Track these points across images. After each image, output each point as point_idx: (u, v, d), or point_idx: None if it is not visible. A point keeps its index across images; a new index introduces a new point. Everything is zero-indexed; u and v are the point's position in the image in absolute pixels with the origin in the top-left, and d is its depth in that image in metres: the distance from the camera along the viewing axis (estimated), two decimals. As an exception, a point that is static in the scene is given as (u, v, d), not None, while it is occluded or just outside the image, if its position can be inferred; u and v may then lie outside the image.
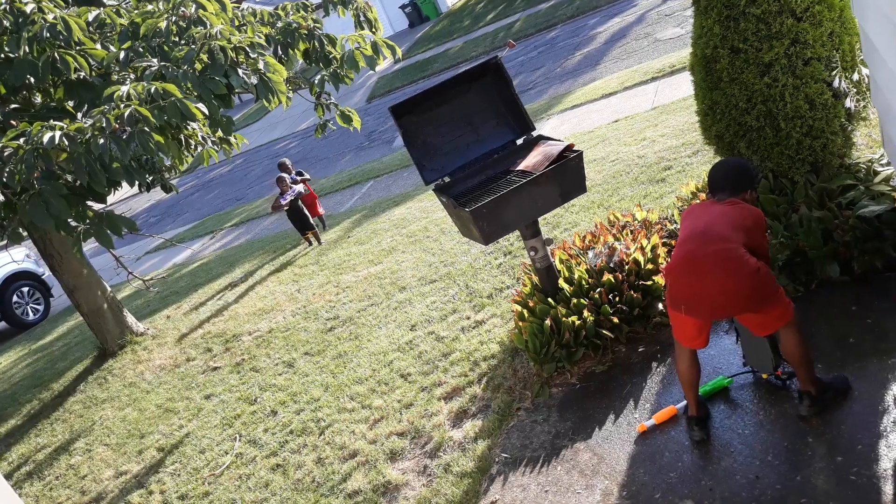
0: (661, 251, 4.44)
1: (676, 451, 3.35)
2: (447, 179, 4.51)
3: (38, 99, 6.38)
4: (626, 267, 4.34)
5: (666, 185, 6.03)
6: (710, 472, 3.15)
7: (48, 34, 4.95)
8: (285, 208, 9.01)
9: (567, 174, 4.05)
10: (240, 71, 5.18)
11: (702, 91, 4.37)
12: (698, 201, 3.39)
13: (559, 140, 4.29)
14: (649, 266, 4.34)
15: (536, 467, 3.65)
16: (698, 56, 4.29)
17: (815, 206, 4.01)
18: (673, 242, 4.66)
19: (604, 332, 4.13)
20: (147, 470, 5.37)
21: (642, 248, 4.42)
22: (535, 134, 4.58)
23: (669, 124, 7.53)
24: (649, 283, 4.26)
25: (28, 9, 5.04)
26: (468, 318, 5.41)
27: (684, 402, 3.50)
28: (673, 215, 4.93)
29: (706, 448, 3.28)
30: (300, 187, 9.13)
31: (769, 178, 4.30)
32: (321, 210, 10.18)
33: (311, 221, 9.30)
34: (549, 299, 4.33)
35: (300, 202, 9.18)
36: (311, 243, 9.27)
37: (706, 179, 3.32)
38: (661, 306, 4.26)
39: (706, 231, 3.04)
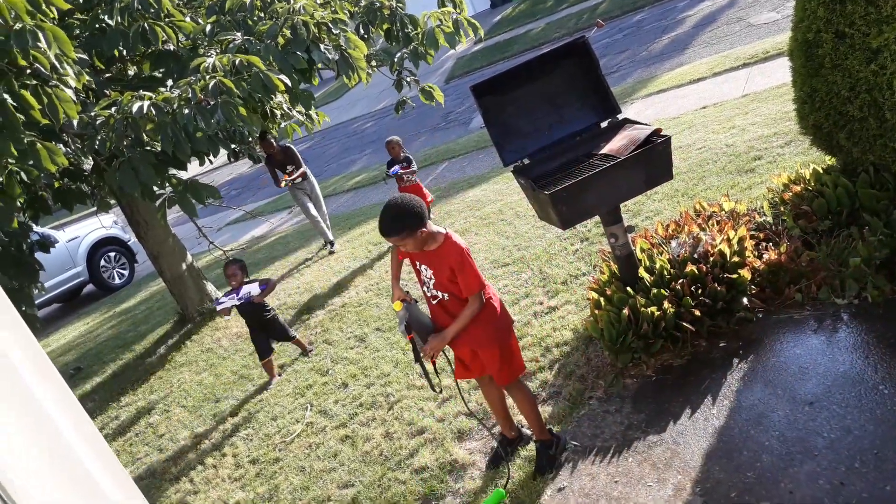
0: (749, 244, 4.26)
1: (755, 451, 3.21)
2: (526, 161, 4.43)
3: (132, 72, 6.61)
4: (711, 259, 4.18)
5: (755, 176, 5.78)
6: (790, 475, 3.01)
7: (139, 6, 5.13)
8: (226, 316, 6.40)
9: (653, 159, 3.90)
10: (321, 46, 5.23)
11: (801, 78, 4.15)
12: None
13: (646, 124, 4.15)
14: (735, 259, 4.16)
15: (607, 457, 3.57)
16: (799, 41, 4.07)
17: (921, 202, 3.78)
18: (761, 235, 4.47)
19: (684, 324, 4.00)
20: (221, 433, 5.55)
21: (729, 240, 4.25)
22: (620, 117, 4.44)
23: (761, 112, 7.22)
24: (734, 276, 4.09)
25: (122, -18, 5.23)
26: (541, 304, 5.34)
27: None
28: (762, 207, 4.73)
29: (787, 450, 3.14)
30: (252, 289, 5.98)
31: (870, 171, 4.06)
32: (429, 197, 8.41)
33: (271, 345, 6.24)
34: (628, 288, 4.22)
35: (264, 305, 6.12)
36: (271, 377, 6.14)
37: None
38: (745, 301, 4.10)
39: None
